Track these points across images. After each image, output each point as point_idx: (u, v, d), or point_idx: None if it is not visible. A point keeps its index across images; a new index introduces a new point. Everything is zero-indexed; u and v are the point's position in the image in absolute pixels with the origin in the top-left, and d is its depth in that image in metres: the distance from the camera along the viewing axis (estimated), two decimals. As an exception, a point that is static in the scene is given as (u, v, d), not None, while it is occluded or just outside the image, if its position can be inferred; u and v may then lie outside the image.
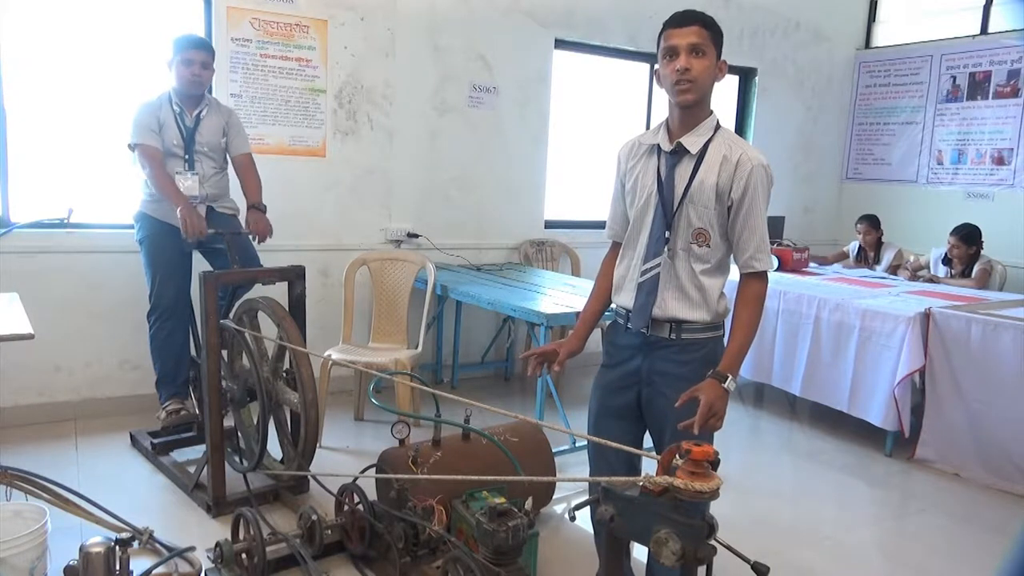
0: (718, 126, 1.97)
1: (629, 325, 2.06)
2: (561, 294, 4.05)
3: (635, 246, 2.06)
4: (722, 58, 1.95)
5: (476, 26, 4.83)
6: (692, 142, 1.95)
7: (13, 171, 3.81)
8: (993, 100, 5.81)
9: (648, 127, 5.77)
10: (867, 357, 4.02)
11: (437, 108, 4.80)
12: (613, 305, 2.18)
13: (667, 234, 1.97)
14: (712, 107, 1.99)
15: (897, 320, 3.88)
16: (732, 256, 2.02)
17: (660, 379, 2.01)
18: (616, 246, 2.20)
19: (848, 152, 6.84)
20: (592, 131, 5.59)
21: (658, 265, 1.99)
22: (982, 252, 5.12)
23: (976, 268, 5.07)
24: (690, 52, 1.88)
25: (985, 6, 5.94)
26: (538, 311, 3.57)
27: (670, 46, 1.90)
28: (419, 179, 4.81)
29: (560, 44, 5.20)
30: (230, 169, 3.64)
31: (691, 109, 1.94)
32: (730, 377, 1.88)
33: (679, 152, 1.96)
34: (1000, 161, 5.78)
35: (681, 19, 1.91)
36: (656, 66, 1.99)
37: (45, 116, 3.89)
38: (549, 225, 5.37)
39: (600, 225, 6.31)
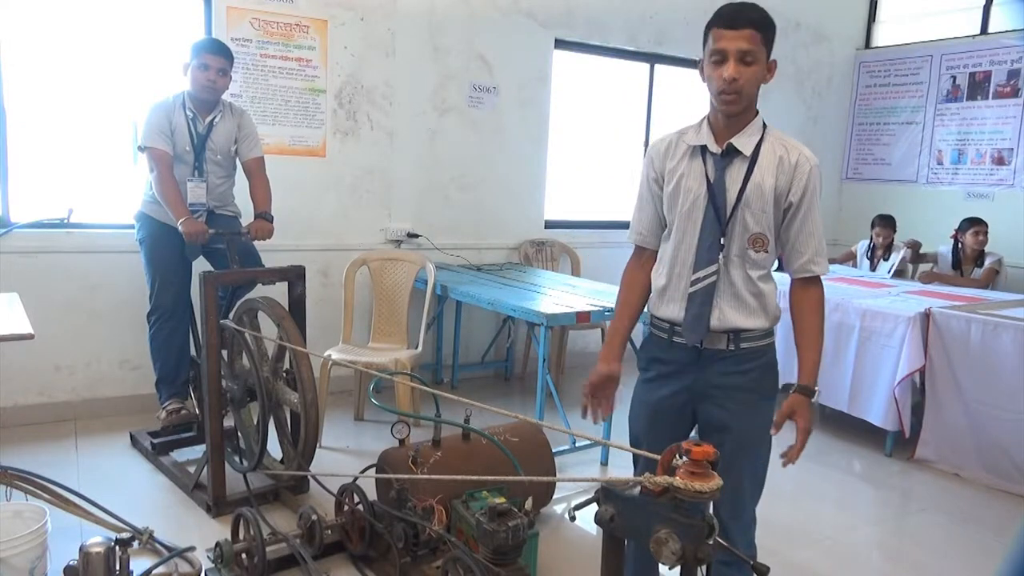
0: (765, 125, 1.85)
1: (676, 339, 1.91)
2: (561, 294, 4.05)
3: (678, 253, 1.90)
4: (772, 58, 1.80)
5: (476, 26, 4.83)
6: (744, 143, 1.82)
7: (13, 171, 3.81)
8: (993, 100, 5.81)
9: (648, 127, 5.80)
10: (867, 357, 4.02)
11: (437, 108, 4.80)
12: (647, 314, 2.03)
13: (721, 240, 1.84)
14: (757, 106, 1.86)
15: (897, 320, 3.88)
16: (784, 260, 1.91)
17: (720, 393, 1.88)
18: (641, 252, 2.02)
19: (848, 152, 6.83)
20: (592, 131, 5.59)
21: (713, 273, 1.84)
22: (989, 251, 5.14)
23: (985, 265, 5.07)
24: (739, 59, 1.73)
25: (985, 6, 5.94)
26: (538, 311, 3.57)
27: (719, 49, 1.74)
28: (419, 179, 4.80)
29: (560, 44, 5.20)
30: (237, 175, 3.63)
31: (737, 115, 1.82)
32: (817, 389, 1.87)
33: (730, 154, 1.83)
34: (1000, 161, 5.78)
35: (734, 19, 1.74)
36: (700, 60, 1.84)
37: (45, 116, 3.89)
38: (549, 225, 5.37)
39: (601, 225, 6.22)
